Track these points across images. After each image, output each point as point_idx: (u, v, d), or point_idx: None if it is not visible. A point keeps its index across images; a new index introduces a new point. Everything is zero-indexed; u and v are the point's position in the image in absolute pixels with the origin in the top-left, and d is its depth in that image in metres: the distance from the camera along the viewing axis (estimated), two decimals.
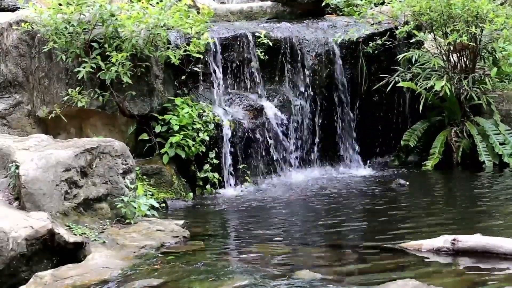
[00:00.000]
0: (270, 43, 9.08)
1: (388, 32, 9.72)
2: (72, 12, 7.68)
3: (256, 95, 9.06)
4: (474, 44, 9.27)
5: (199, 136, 8.20)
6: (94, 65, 7.68)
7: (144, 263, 5.33)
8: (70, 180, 5.86)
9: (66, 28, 7.71)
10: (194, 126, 8.21)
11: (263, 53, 9.04)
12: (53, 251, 5.30)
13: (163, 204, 7.49)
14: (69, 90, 7.80)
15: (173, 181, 8.04)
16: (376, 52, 9.59)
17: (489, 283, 4.73)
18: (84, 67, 7.66)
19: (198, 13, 8.28)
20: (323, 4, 10.16)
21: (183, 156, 8.10)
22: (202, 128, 8.28)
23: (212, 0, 11.05)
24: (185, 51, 8.07)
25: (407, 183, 8.39)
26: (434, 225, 6.36)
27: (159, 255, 5.56)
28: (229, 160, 8.56)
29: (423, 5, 9.11)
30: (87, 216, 5.95)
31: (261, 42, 9.03)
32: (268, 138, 8.91)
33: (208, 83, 8.81)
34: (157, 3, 7.89)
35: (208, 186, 8.32)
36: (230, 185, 8.54)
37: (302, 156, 9.28)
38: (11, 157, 6.00)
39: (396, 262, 5.25)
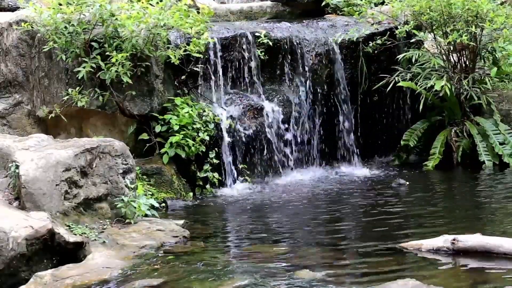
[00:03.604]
0: (270, 43, 9.07)
1: (388, 32, 9.71)
2: (72, 12, 7.68)
3: (256, 95, 9.06)
4: (474, 44, 9.26)
5: (199, 136, 8.20)
6: (94, 65, 7.68)
7: (144, 263, 5.34)
8: (70, 180, 5.86)
9: (66, 28, 7.71)
10: (194, 126, 8.21)
11: (263, 53, 9.04)
12: (53, 251, 5.30)
13: (163, 204, 7.48)
14: (69, 90, 7.80)
15: (173, 181, 8.04)
16: (376, 52, 9.58)
17: (489, 282, 4.73)
18: (84, 67, 7.66)
19: (198, 13, 8.28)
20: (323, 4, 10.15)
21: (183, 156, 8.10)
22: (202, 128, 8.28)
23: (212, 0, 11.04)
24: (185, 51, 8.06)
25: (407, 183, 8.39)
26: (434, 225, 6.36)
27: (159, 255, 5.56)
28: (229, 160, 8.56)
29: (423, 4, 9.10)
30: (87, 216, 5.95)
31: (261, 42, 9.02)
32: (268, 137, 8.91)
33: (208, 83, 8.81)
34: (157, 3, 7.89)
35: (208, 186, 8.31)
36: (230, 185, 8.54)
37: (302, 156, 9.28)
38: (11, 157, 6.00)
39: (396, 262, 5.25)
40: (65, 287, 4.88)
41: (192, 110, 8.26)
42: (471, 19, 9.06)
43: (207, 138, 8.26)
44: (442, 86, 9.04)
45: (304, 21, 9.88)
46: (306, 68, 9.35)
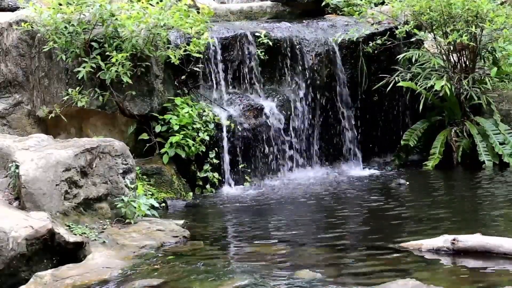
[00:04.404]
0: (270, 43, 9.08)
1: (388, 32, 9.71)
2: (72, 12, 7.68)
3: (256, 95, 9.06)
4: (474, 44, 9.27)
5: (199, 136, 8.21)
6: (94, 65, 7.68)
7: (144, 263, 5.34)
8: (70, 180, 5.86)
9: (66, 28, 7.71)
10: (194, 126, 8.22)
11: (263, 53, 9.05)
12: (53, 251, 5.30)
13: (163, 204, 7.49)
14: (69, 90, 7.80)
15: (173, 181, 8.04)
16: (376, 52, 9.58)
17: (489, 282, 4.73)
18: (84, 67, 7.66)
19: (198, 13, 8.28)
20: (323, 4, 10.16)
21: (183, 156, 8.10)
22: (202, 128, 8.28)
23: (212, 0, 11.04)
24: (185, 51, 8.07)
25: (407, 183, 8.39)
26: (434, 225, 6.36)
27: (159, 255, 5.56)
28: (229, 160, 8.56)
29: (423, 4, 9.10)
30: (87, 216, 5.95)
31: (261, 42, 9.03)
32: (268, 138, 8.91)
33: (208, 83, 8.81)
34: (157, 3, 7.89)
35: (208, 186, 8.32)
36: (230, 185, 8.54)
37: (302, 156, 9.28)
38: (11, 157, 6.00)
39: (396, 262, 5.25)
40: (65, 287, 4.88)
41: (192, 110, 8.26)
42: (471, 19, 9.07)
43: (207, 138, 8.26)
44: (442, 86, 9.04)
45: (304, 21, 9.89)
46: (306, 68, 9.35)
